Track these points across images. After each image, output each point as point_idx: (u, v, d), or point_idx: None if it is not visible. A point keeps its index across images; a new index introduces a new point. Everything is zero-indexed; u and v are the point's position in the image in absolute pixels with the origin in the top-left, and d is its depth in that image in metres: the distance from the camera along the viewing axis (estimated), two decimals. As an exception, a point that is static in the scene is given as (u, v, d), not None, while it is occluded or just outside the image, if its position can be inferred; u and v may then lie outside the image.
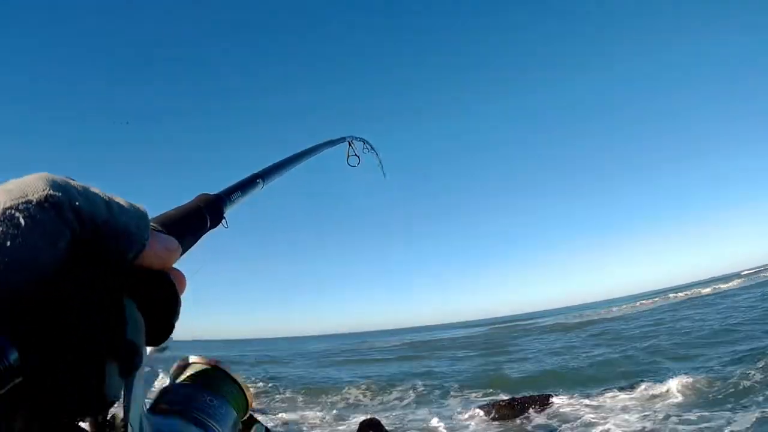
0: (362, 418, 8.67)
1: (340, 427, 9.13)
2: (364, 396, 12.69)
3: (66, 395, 0.31)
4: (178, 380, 0.58)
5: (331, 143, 1.46)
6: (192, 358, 0.61)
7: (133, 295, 0.37)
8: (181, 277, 0.46)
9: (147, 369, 0.41)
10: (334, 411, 10.83)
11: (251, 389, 0.62)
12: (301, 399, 12.96)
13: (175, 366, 0.60)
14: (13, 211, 0.32)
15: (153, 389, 0.49)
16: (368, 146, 1.78)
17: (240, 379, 0.61)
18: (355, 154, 1.65)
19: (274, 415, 10.83)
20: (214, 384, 0.58)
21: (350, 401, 12.37)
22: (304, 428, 9.41)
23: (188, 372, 0.59)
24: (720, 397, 8.16)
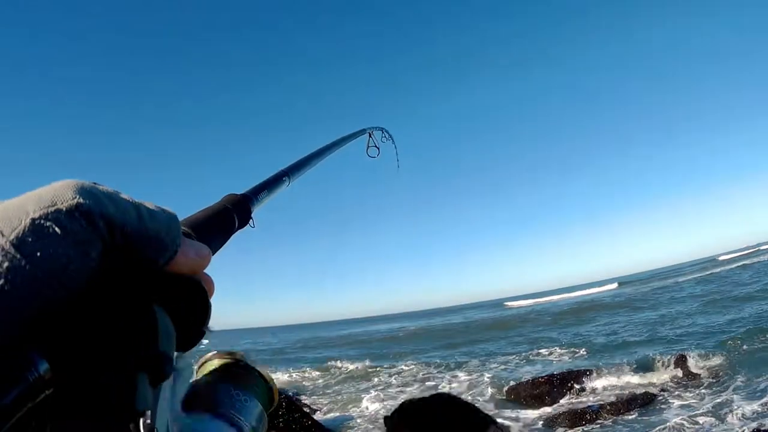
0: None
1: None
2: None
3: (96, 408, 0.31)
4: (203, 375, 0.59)
5: (353, 136, 1.44)
6: (216, 353, 0.61)
7: (164, 302, 0.37)
8: (211, 281, 0.44)
9: (174, 372, 0.41)
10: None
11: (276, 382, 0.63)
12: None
13: (200, 361, 0.62)
14: (42, 221, 0.30)
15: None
16: (386, 135, 1.75)
17: (265, 371, 0.61)
18: (375, 146, 1.63)
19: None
20: (238, 377, 0.58)
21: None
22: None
23: (212, 366, 0.60)
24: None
